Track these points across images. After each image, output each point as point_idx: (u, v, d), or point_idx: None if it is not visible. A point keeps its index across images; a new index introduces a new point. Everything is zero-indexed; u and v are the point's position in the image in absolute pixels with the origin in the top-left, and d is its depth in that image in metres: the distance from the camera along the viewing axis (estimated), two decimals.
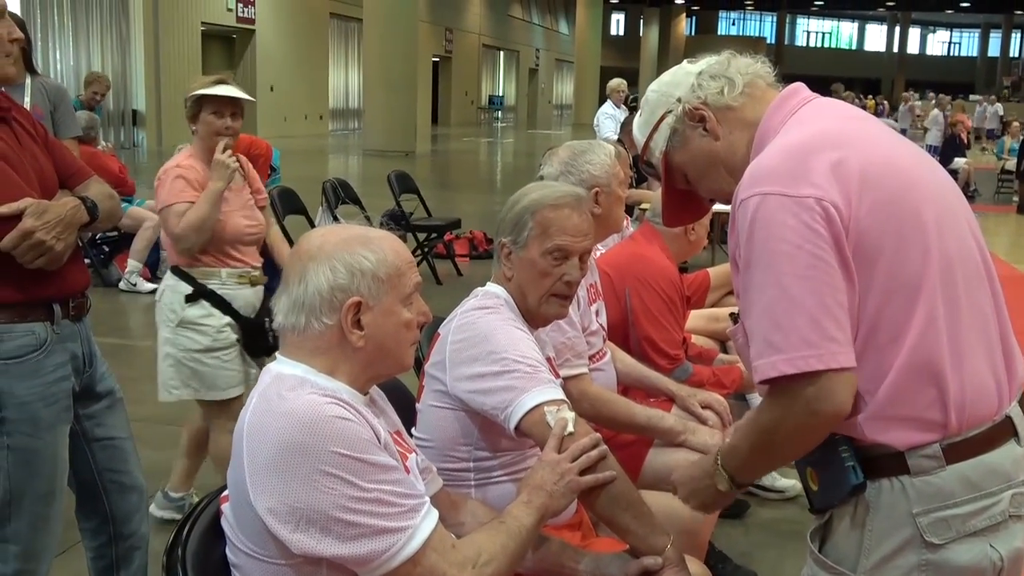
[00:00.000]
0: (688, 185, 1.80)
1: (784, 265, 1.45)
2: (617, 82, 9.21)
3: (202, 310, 3.33)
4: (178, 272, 3.42)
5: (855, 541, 1.53)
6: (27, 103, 4.04)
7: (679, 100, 1.73)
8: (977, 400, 1.51)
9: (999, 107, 29.57)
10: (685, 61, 1.83)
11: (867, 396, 1.49)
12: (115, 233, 7.66)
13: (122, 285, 7.50)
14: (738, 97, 1.69)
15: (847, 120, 1.65)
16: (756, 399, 3.69)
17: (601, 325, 2.85)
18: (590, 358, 2.70)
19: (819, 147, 1.52)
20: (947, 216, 1.55)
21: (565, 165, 2.82)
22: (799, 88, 1.71)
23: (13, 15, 2.24)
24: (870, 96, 31.96)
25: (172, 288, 3.42)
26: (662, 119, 1.76)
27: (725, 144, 1.70)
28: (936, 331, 1.48)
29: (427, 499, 1.61)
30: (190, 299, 3.37)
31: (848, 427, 1.50)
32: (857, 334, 1.47)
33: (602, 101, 11.08)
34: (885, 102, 29.29)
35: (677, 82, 1.77)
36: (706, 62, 1.76)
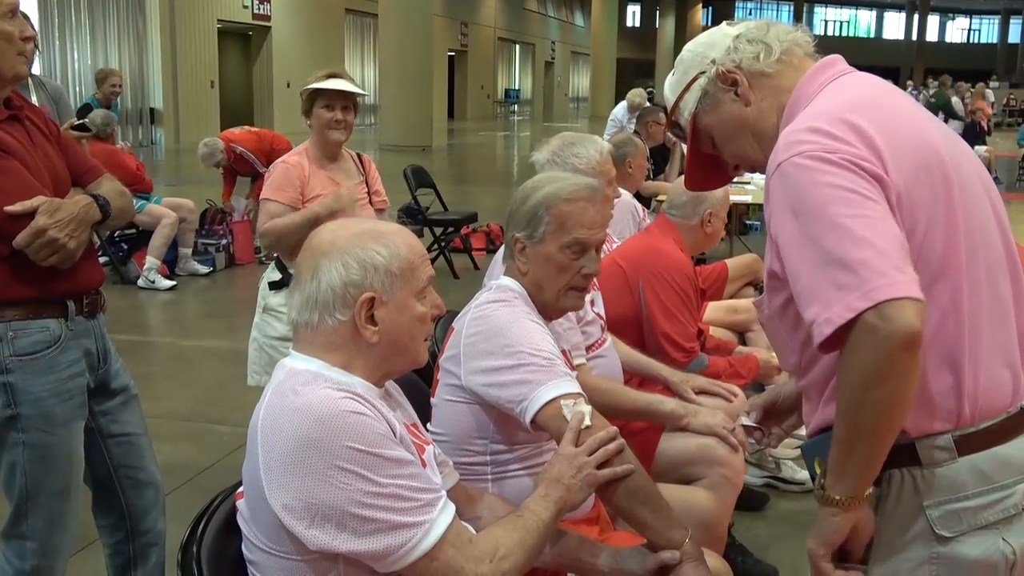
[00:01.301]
0: (715, 149, 1.76)
1: (840, 206, 1.37)
2: (639, 93, 9.07)
3: (284, 298, 3.38)
4: (276, 260, 3.58)
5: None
6: (34, 101, 4.06)
7: (713, 62, 1.69)
8: (992, 391, 1.48)
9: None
10: (724, 23, 1.78)
11: None
12: (133, 230, 7.70)
13: (140, 282, 7.53)
14: (773, 64, 1.65)
15: (882, 93, 1.61)
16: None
17: (598, 314, 2.82)
18: (588, 347, 2.68)
19: (856, 113, 1.48)
20: (973, 201, 1.52)
21: (553, 154, 2.82)
22: (836, 60, 1.68)
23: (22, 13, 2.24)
24: None
25: (267, 275, 3.52)
26: (694, 79, 1.71)
27: (755, 110, 1.66)
28: (958, 317, 1.45)
29: (444, 493, 1.60)
30: (274, 286, 3.46)
31: None
32: None
33: (619, 95, 11.02)
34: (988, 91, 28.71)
35: (713, 43, 1.71)
36: (745, 25, 1.72)
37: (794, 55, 1.67)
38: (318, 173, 3.62)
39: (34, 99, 4.10)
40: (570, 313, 2.54)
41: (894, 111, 1.54)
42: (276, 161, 3.67)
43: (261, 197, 3.59)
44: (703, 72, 1.70)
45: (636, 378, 3.01)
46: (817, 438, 1.56)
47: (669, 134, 8.08)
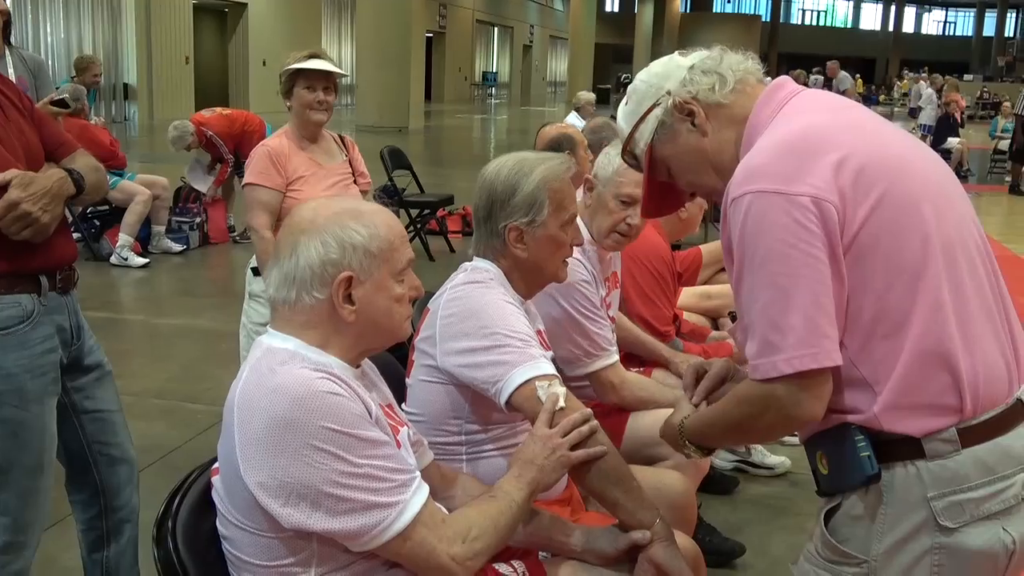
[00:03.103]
0: (670, 178, 1.79)
1: (778, 265, 1.45)
2: (588, 96, 9.03)
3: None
4: None
5: (867, 525, 1.53)
6: (11, 75, 4.02)
7: (668, 93, 1.71)
8: (990, 382, 1.50)
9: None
10: (676, 53, 1.80)
11: (876, 386, 1.49)
12: (106, 207, 7.64)
13: (113, 259, 7.48)
14: (728, 95, 1.67)
15: (836, 112, 1.64)
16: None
17: (611, 317, 2.86)
18: None
19: (814, 144, 1.51)
20: (943, 201, 1.55)
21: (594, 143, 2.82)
22: (785, 82, 1.70)
23: None
24: (858, 77, 31.55)
25: (253, 261, 3.58)
26: (650, 110, 1.73)
27: (713, 141, 1.69)
28: (944, 316, 1.47)
29: (418, 474, 1.61)
30: (257, 272, 3.48)
31: (864, 419, 1.50)
32: (856, 326, 1.48)
33: (596, 80, 11.00)
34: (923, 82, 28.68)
35: (667, 74, 1.73)
36: (698, 56, 1.74)
37: (747, 83, 1.69)
38: (299, 154, 3.61)
39: (11, 71, 4.06)
40: (605, 311, 2.70)
41: (854, 132, 1.57)
42: (257, 146, 3.65)
43: (246, 183, 3.58)
44: (658, 103, 1.72)
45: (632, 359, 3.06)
46: (822, 433, 1.57)
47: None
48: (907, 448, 1.48)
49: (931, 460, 1.48)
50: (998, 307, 1.57)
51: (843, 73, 18.51)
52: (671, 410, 1.88)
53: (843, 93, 17.85)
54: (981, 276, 1.55)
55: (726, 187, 1.57)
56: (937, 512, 1.48)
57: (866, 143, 1.54)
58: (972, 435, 1.48)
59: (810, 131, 1.55)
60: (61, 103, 4.32)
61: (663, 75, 1.74)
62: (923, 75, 30.32)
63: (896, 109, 27.14)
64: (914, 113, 23.42)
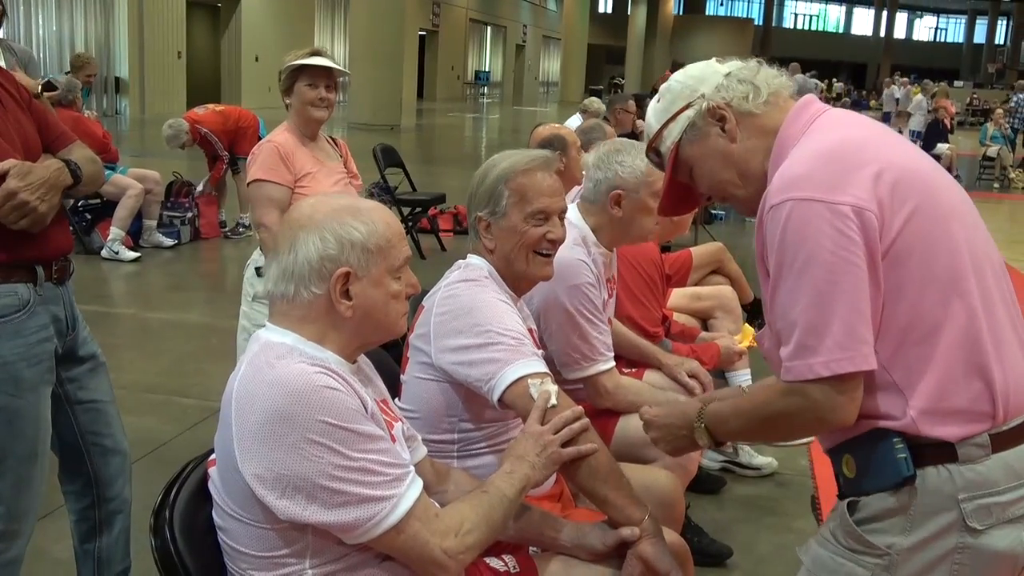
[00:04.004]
0: (691, 180, 1.81)
1: (819, 270, 1.49)
2: (599, 105, 8.98)
3: None
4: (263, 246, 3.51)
5: (896, 520, 1.55)
6: (1, 64, 4.03)
7: (703, 96, 1.74)
8: (1020, 389, 1.54)
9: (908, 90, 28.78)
10: (714, 59, 1.82)
11: (908, 391, 1.52)
12: (98, 200, 7.63)
13: (104, 253, 7.47)
14: (761, 105, 1.70)
15: (868, 128, 1.69)
16: (735, 376, 3.73)
17: (609, 318, 2.88)
18: None
19: (853, 155, 1.55)
20: (968, 216, 1.61)
21: (600, 159, 2.81)
22: (813, 99, 1.74)
23: None
24: (826, 80, 31.39)
25: (255, 262, 3.50)
26: (682, 110, 1.76)
27: (740, 148, 1.72)
28: (977, 325, 1.52)
29: (412, 468, 1.63)
30: (261, 273, 3.45)
31: (901, 425, 1.53)
32: (890, 332, 1.52)
33: (589, 80, 10.96)
34: (894, 87, 28.65)
35: (704, 77, 1.76)
36: (735, 64, 1.77)
37: (780, 97, 1.73)
38: (303, 150, 3.59)
39: (1, 63, 4.06)
40: (604, 316, 2.71)
41: (886, 148, 1.61)
42: (261, 142, 3.61)
43: (254, 179, 3.51)
44: (691, 104, 1.75)
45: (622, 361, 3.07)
46: (853, 437, 1.59)
47: (638, 122, 8.14)
48: (941, 452, 1.52)
49: (963, 464, 1.51)
50: (1019, 318, 1.62)
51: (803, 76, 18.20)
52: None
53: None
54: (1005, 290, 1.61)
55: (754, 200, 1.61)
56: (967, 514, 1.50)
57: (899, 158, 1.59)
58: (1002, 440, 1.52)
59: (848, 143, 1.60)
60: (48, 85, 4.32)
61: (699, 78, 1.77)
62: (902, 79, 30.39)
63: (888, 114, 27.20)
64: (888, 118, 23.51)
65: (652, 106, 1.85)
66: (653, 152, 1.86)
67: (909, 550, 1.54)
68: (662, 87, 1.84)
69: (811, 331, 1.49)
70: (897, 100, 26.48)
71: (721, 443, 1.79)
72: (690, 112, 1.75)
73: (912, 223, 1.51)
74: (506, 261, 2.20)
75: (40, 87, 4.22)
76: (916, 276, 1.51)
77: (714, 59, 1.82)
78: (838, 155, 1.56)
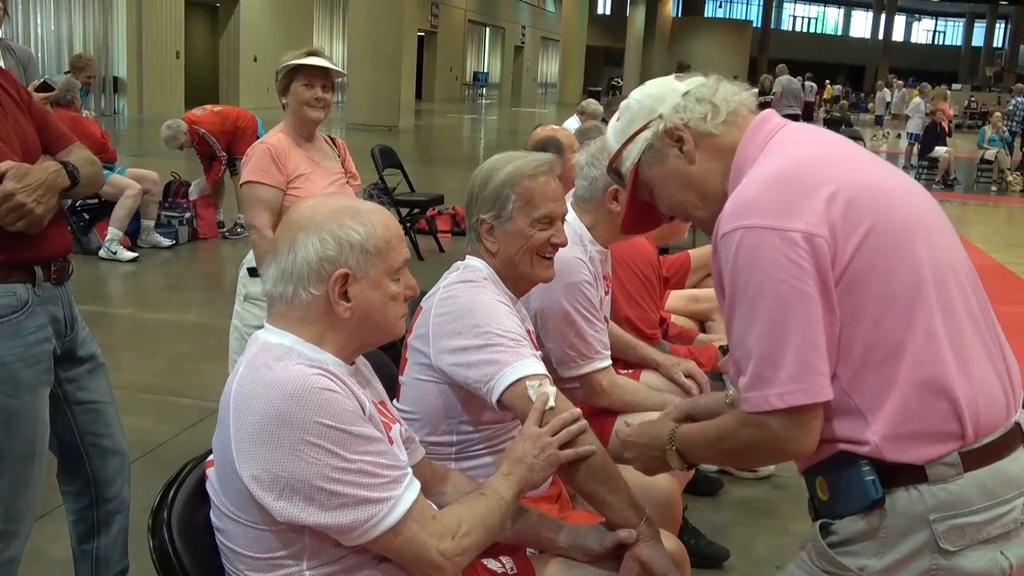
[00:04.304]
0: (652, 199, 1.80)
1: (770, 300, 1.48)
2: (596, 107, 8.94)
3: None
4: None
5: (867, 543, 1.53)
6: (1, 65, 4.03)
7: (660, 116, 1.71)
8: (990, 406, 1.51)
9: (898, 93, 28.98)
10: (673, 76, 1.79)
11: (870, 415, 1.50)
12: (95, 200, 7.63)
13: (102, 253, 7.47)
14: (720, 125, 1.68)
15: (823, 145, 1.65)
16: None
17: (605, 316, 2.88)
18: None
19: (804, 178, 1.53)
20: (932, 229, 1.58)
21: (593, 156, 2.81)
22: (771, 115, 1.71)
23: None
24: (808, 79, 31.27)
25: (248, 262, 3.51)
26: (640, 131, 1.74)
27: (699, 169, 1.69)
28: (937, 344, 1.49)
29: (409, 470, 1.63)
30: (254, 273, 3.45)
31: (867, 451, 1.50)
32: (849, 356, 1.50)
33: (587, 82, 10.96)
34: (887, 89, 28.66)
35: (662, 97, 1.73)
36: (694, 82, 1.74)
37: (739, 115, 1.70)
38: (297, 152, 3.59)
39: (0, 63, 4.06)
40: (601, 315, 2.71)
41: (842, 166, 1.59)
42: (255, 143, 3.62)
43: (245, 181, 3.53)
44: (648, 125, 1.73)
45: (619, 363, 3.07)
46: (822, 461, 1.58)
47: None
48: (910, 473, 1.49)
49: (934, 484, 1.48)
50: (990, 332, 1.58)
51: (786, 77, 18.02)
52: (659, 413, 1.90)
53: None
54: (972, 302, 1.57)
55: (716, 220, 1.58)
56: (938, 535, 1.48)
57: (855, 176, 1.56)
58: (974, 459, 1.49)
59: (800, 164, 1.57)
60: (44, 86, 4.31)
61: (657, 97, 1.74)
62: (898, 81, 30.48)
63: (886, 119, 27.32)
64: (880, 121, 23.53)
65: (611, 124, 1.83)
66: (613, 172, 1.84)
67: (882, 572, 1.51)
68: (622, 105, 1.82)
69: (766, 362, 1.49)
70: (888, 104, 26.55)
71: (693, 465, 1.79)
72: (648, 133, 1.73)
73: (868, 242, 1.49)
74: (509, 263, 2.21)
75: (37, 91, 4.21)
76: (874, 297, 1.48)
77: (673, 76, 1.79)
78: (790, 178, 1.54)
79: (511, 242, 2.19)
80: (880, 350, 1.49)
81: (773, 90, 17.12)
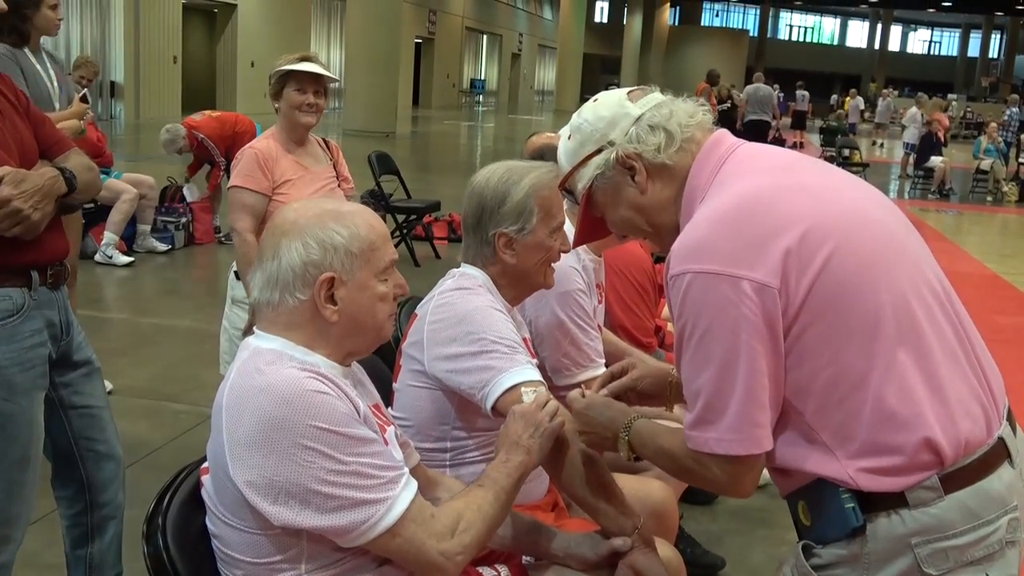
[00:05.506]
0: (605, 219, 1.78)
1: (716, 347, 1.47)
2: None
3: None
4: None
5: (850, 570, 1.50)
6: (50, 72, 4.05)
7: (612, 143, 1.67)
8: (969, 428, 1.47)
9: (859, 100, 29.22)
10: (626, 94, 1.71)
11: (839, 451, 1.47)
12: (92, 205, 7.59)
13: (98, 257, 7.46)
14: (674, 155, 1.63)
15: (775, 173, 1.60)
16: None
17: (599, 325, 2.88)
18: None
19: (755, 217, 1.49)
20: (896, 252, 1.53)
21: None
22: (722, 137, 1.67)
23: None
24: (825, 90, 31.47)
25: (235, 265, 3.58)
26: (592, 155, 1.69)
27: (651, 199, 1.66)
28: (901, 375, 1.45)
29: (406, 470, 1.62)
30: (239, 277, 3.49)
31: (843, 480, 1.48)
32: (810, 392, 1.47)
33: (584, 90, 10.97)
34: (859, 97, 28.85)
35: (614, 121, 1.67)
36: (648, 103, 1.68)
37: (694, 140, 1.65)
38: (286, 157, 3.61)
39: (50, 71, 4.07)
40: (595, 323, 2.72)
41: (796, 192, 1.55)
42: (244, 148, 3.65)
43: (231, 185, 3.57)
44: (600, 150, 1.69)
45: None
46: (803, 487, 1.56)
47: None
48: (891, 499, 1.46)
49: (915, 508, 1.45)
50: (964, 348, 1.54)
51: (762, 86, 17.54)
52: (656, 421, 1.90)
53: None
54: (941, 322, 1.52)
55: (666, 256, 1.56)
56: (921, 559, 1.44)
57: (809, 205, 1.51)
58: (955, 481, 1.45)
59: (753, 202, 1.52)
60: (84, 99, 4.36)
61: (610, 121, 1.68)
62: (884, 89, 30.64)
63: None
64: (853, 129, 23.65)
65: (563, 143, 1.78)
66: (565, 191, 1.82)
67: None
68: (573, 123, 1.76)
69: (709, 407, 1.50)
70: (862, 112, 26.61)
71: (640, 459, 1.78)
72: (599, 159, 1.68)
73: (824, 276, 1.45)
74: (522, 275, 2.20)
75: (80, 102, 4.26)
76: (832, 334, 1.45)
77: (626, 95, 1.71)
78: (743, 219, 1.49)
79: (532, 254, 2.18)
80: (842, 385, 1.46)
81: (742, 98, 16.62)
